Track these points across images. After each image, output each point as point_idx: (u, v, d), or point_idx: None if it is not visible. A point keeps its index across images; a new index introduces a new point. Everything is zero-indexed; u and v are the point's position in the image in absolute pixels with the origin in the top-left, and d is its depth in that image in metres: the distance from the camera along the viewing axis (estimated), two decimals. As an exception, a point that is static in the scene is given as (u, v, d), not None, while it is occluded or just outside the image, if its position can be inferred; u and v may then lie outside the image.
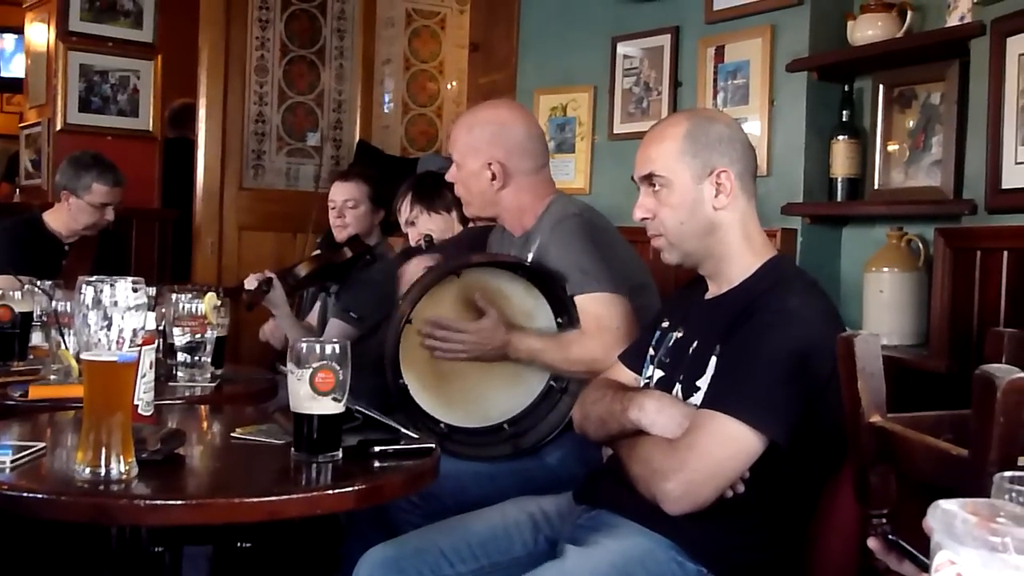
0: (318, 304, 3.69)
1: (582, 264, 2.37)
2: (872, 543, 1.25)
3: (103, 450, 1.50)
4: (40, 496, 1.47)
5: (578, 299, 2.36)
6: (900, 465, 1.52)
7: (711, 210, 1.88)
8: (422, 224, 3.31)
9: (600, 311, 2.34)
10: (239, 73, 5.07)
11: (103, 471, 1.49)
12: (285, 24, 5.18)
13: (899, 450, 1.49)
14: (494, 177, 2.50)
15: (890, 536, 1.23)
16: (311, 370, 1.63)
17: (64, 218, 3.69)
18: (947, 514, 0.71)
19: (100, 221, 3.73)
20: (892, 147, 2.78)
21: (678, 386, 1.88)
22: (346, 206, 3.58)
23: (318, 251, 3.54)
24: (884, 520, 1.53)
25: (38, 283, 2.75)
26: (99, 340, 1.50)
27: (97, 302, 1.50)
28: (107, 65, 5.23)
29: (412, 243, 3.31)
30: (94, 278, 1.51)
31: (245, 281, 3.38)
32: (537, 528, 2.00)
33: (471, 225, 3.29)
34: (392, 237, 3.86)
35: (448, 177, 2.61)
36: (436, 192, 3.34)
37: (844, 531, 1.75)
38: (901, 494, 1.56)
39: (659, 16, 3.40)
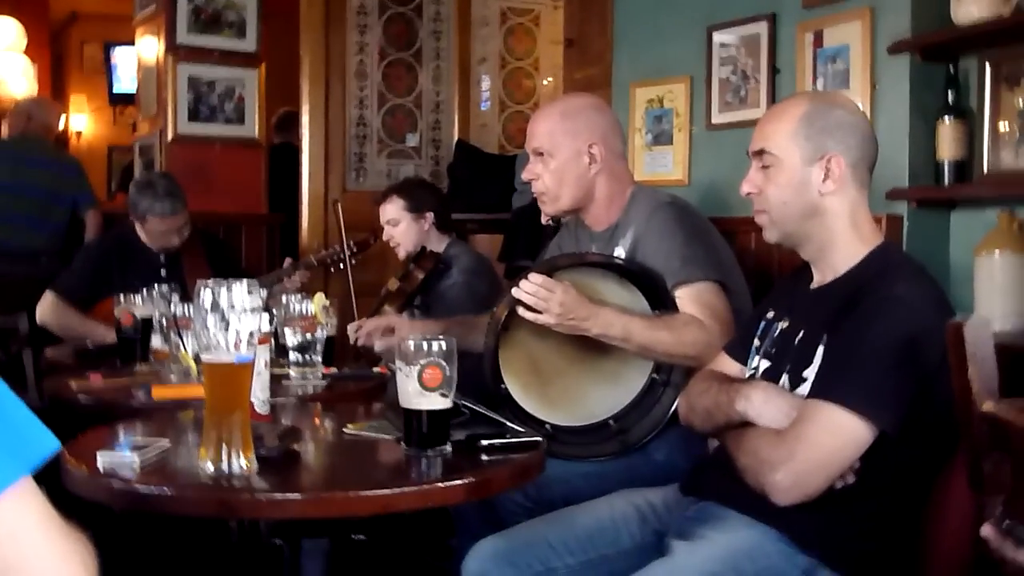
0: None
1: (684, 253, 2.34)
2: (987, 531, 1.23)
3: (224, 447, 1.57)
4: (168, 492, 1.54)
5: (684, 289, 2.33)
6: (1014, 453, 1.49)
7: (816, 194, 1.87)
8: None
9: (709, 299, 2.32)
10: (339, 79, 5.18)
11: (225, 467, 1.56)
12: (383, 28, 5.28)
13: (1013, 437, 1.46)
14: (591, 161, 2.48)
15: (1006, 523, 1.21)
16: (419, 367, 1.67)
17: (146, 237, 3.77)
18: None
19: (167, 244, 3.72)
20: (1001, 127, 2.70)
21: (785, 376, 1.87)
22: (390, 227, 3.62)
23: (396, 284, 3.57)
24: (1000, 508, 1.50)
25: (157, 288, 2.86)
26: (218, 342, 1.56)
27: (215, 305, 1.56)
28: (214, 76, 5.39)
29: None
30: (211, 281, 1.57)
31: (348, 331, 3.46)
32: (644, 520, 2.01)
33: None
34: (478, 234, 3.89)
35: (527, 174, 2.55)
36: None
37: (958, 520, 1.72)
38: (1016, 481, 1.53)
39: (755, 3, 3.36)
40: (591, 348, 2.40)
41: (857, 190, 1.89)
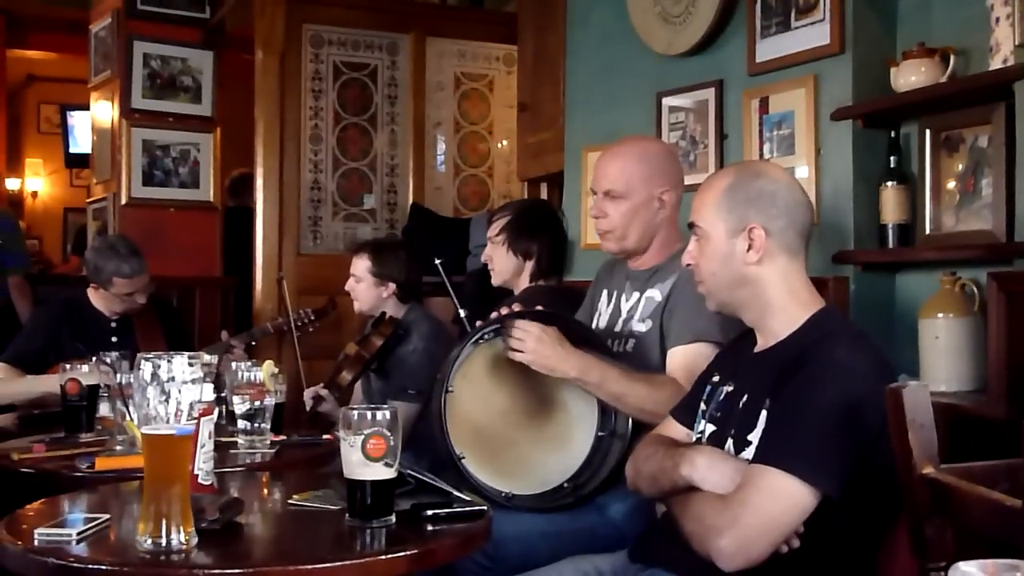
0: (359, 386, 3.70)
1: (710, 312, 2.24)
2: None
3: (163, 521, 1.55)
4: (104, 568, 1.52)
5: (695, 346, 2.31)
6: (955, 517, 1.50)
7: (742, 264, 1.90)
8: (495, 253, 3.33)
9: (703, 364, 2.27)
10: (294, 142, 5.18)
11: (164, 542, 1.54)
12: (337, 93, 5.30)
13: (953, 502, 1.48)
14: (661, 207, 2.51)
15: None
16: (363, 436, 1.66)
17: (101, 301, 3.75)
18: (966, 576, 0.71)
19: (132, 306, 3.73)
20: (942, 192, 2.76)
21: (730, 441, 1.88)
22: (353, 280, 3.64)
23: (354, 348, 3.58)
24: (942, 573, 1.51)
25: (106, 356, 2.83)
26: (158, 414, 1.55)
27: (155, 377, 1.55)
28: (168, 139, 5.41)
29: (482, 259, 3.39)
30: (152, 354, 1.56)
31: (304, 396, 3.50)
32: (593, 587, 2.00)
33: (540, 284, 3.31)
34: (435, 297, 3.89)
35: (596, 212, 2.56)
36: (530, 233, 3.32)
37: (904, 585, 1.72)
38: (959, 546, 1.54)
39: (703, 70, 3.43)
40: (533, 416, 2.43)
41: (788, 257, 1.91)
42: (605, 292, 2.67)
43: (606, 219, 2.54)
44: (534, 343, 2.29)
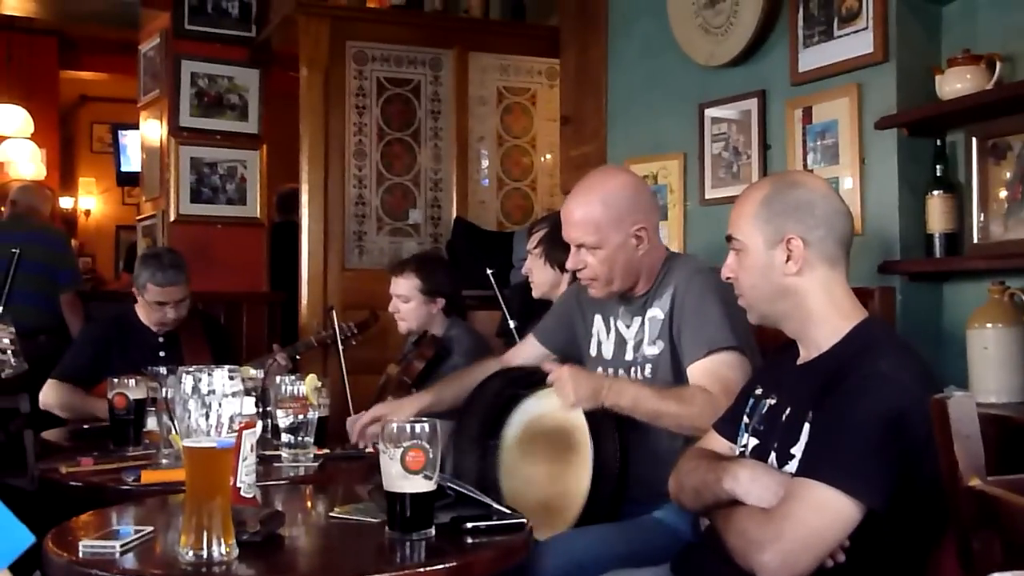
0: None
1: (718, 320, 2.31)
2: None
3: (205, 533, 1.56)
4: (146, 580, 1.54)
5: (713, 356, 2.30)
6: (1003, 530, 1.47)
7: (782, 276, 1.88)
8: (534, 265, 3.30)
9: (727, 372, 2.28)
10: (339, 158, 5.21)
11: (205, 554, 1.56)
12: (381, 109, 5.33)
13: (1001, 514, 1.45)
14: (639, 243, 2.45)
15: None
16: (402, 449, 1.67)
17: (146, 315, 3.74)
18: (1001, 588, 0.69)
19: (164, 319, 3.69)
20: (990, 200, 2.72)
21: (773, 454, 1.86)
22: (399, 301, 3.57)
23: (396, 371, 3.55)
24: (991, 588, 1.48)
25: (154, 370, 2.86)
26: (199, 427, 1.57)
27: (195, 390, 1.56)
28: (216, 157, 5.49)
29: (523, 272, 3.37)
30: (193, 367, 1.58)
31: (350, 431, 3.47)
32: (635, 602, 1.98)
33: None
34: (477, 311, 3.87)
35: (573, 264, 2.52)
36: (566, 244, 3.31)
37: (952, 599, 1.69)
38: (1007, 559, 1.51)
39: (745, 80, 3.41)
40: (565, 454, 2.40)
41: (828, 267, 1.89)
42: (599, 317, 2.64)
43: (587, 269, 2.50)
44: (572, 387, 2.33)
